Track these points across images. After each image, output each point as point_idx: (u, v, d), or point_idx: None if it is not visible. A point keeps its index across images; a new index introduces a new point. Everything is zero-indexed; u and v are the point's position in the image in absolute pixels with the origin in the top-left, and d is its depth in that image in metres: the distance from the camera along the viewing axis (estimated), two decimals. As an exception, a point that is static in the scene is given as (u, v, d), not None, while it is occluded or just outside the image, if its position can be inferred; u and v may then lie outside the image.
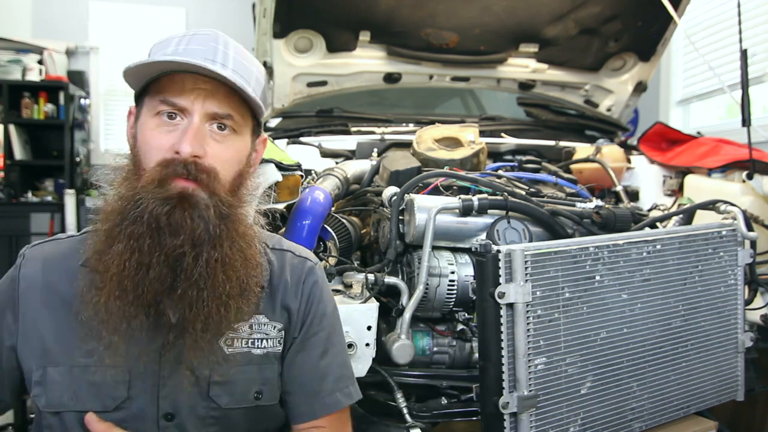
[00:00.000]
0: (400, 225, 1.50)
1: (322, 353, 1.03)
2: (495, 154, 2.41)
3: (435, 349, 1.46)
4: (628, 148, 2.46)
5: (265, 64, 2.47)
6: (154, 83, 0.91)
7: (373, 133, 2.43)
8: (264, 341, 0.98)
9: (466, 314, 1.48)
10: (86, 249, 0.91)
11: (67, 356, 0.89)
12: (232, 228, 0.89)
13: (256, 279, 0.94)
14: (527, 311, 1.12)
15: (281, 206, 1.54)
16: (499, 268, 1.12)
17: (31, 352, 0.91)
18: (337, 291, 1.43)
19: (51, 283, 0.93)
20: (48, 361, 0.89)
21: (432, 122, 2.33)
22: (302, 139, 2.38)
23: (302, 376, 1.02)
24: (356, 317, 1.32)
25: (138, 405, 0.90)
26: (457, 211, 1.47)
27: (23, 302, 0.92)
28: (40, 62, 4.66)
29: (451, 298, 1.44)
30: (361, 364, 1.32)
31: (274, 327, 0.99)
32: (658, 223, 1.62)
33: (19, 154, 4.57)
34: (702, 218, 1.69)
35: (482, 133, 2.29)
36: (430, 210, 1.42)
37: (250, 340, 0.96)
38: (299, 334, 1.02)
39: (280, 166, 1.44)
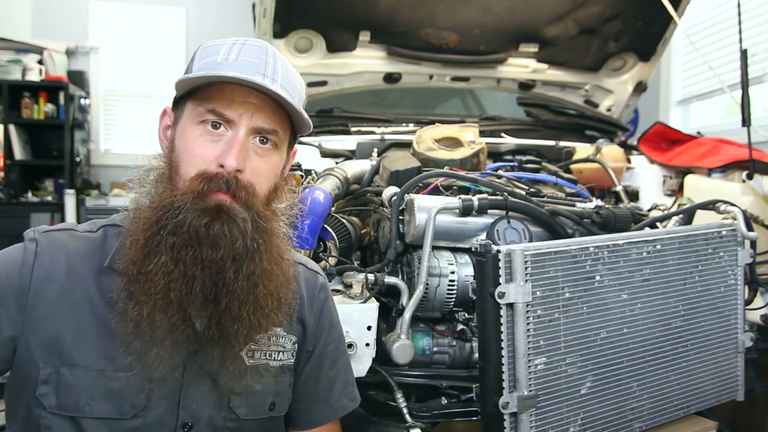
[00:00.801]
0: (400, 225, 1.50)
1: (332, 363, 1.07)
2: (495, 154, 2.41)
3: (435, 349, 1.46)
4: (628, 148, 2.46)
5: (265, 64, 2.46)
6: (201, 90, 0.90)
7: (373, 133, 2.43)
8: (281, 353, 0.99)
9: (466, 314, 1.48)
10: (117, 252, 0.89)
11: (86, 359, 0.86)
12: (269, 241, 0.89)
13: (292, 291, 0.95)
14: (527, 311, 1.12)
15: (281, 206, 1.54)
16: (499, 268, 1.12)
17: (39, 348, 0.86)
18: (337, 291, 1.43)
19: (74, 279, 0.88)
20: (62, 361, 0.86)
21: (432, 122, 2.33)
22: (302, 139, 2.38)
23: (316, 387, 1.05)
24: (356, 317, 1.32)
25: (155, 414, 0.88)
26: (457, 211, 1.47)
27: (35, 293, 0.86)
28: (40, 62, 4.66)
29: (451, 298, 1.44)
30: (361, 364, 1.32)
31: (290, 340, 1.01)
32: (658, 223, 1.62)
33: (19, 154, 4.57)
34: (702, 218, 1.69)
35: (482, 133, 2.29)
36: (430, 210, 1.42)
37: (268, 352, 0.97)
38: (314, 349, 1.05)
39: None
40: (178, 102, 0.94)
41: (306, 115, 0.92)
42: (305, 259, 1.12)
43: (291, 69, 0.94)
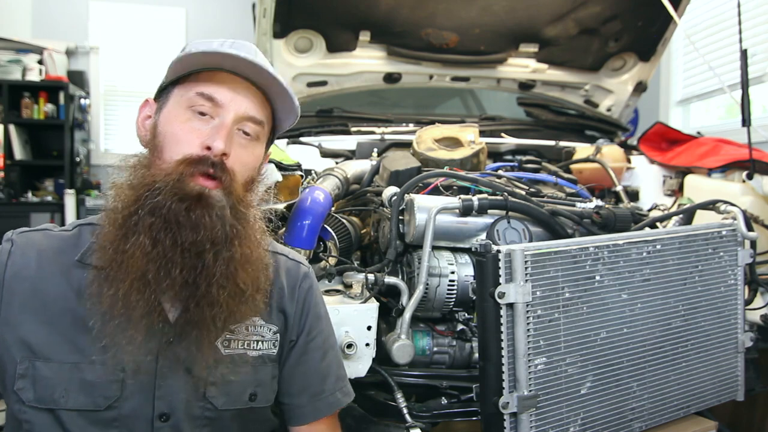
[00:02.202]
0: (400, 225, 1.50)
1: (322, 356, 1.06)
2: (495, 154, 2.41)
3: (435, 349, 1.46)
4: (628, 148, 2.46)
5: (265, 64, 2.46)
6: (190, 76, 0.91)
7: (373, 133, 2.43)
8: (260, 343, 0.98)
9: (466, 314, 1.48)
10: (90, 247, 0.90)
11: (60, 352, 0.87)
12: (247, 227, 0.90)
13: (267, 277, 0.96)
14: (527, 311, 1.12)
15: (281, 206, 1.54)
16: (499, 268, 1.12)
17: (15, 344, 0.87)
18: (337, 291, 1.43)
19: (45, 276, 0.90)
20: (36, 355, 0.86)
21: (432, 122, 2.33)
22: (302, 139, 2.38)
23: (305, 379, 1.04)
24: (356, 317, 1.32)
25: (131, 405, 0.88)
26: (457, 211, 1.47)
27: (9, 291, 0.88)
28: (40, 62, 4.66)
29: (451, 298, 1.44)
30: (361, 364, 1.32)
31: (270, 329, 1.00)
32: (658, 223, 1.62)
33: (19, 154, 4.57)
34: (702, 218, 1.69)
35: (482, 133, 2.29)
36: (430, 210, 1.42)
37: (246, 342, 0.96)
38: (298, 338, 1.04)
39: (280, 166, 1.44)
40: (162, 91, 0.95)
41: (296, 101, 0.95)
42: (287, 249, 1.12)
43: (273, 68, 0.96)
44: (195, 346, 0.88)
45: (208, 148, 0.86)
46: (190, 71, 0.92)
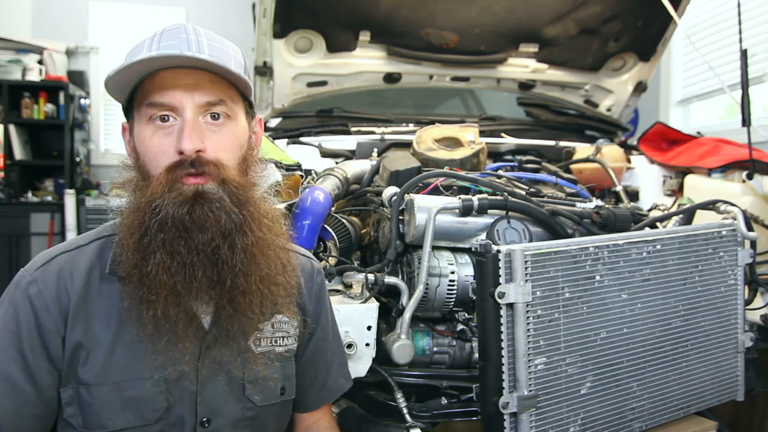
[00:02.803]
0: (400, 225, 1.50)
1: (329, 346, 1.11)
2: (495, 154, 2.41)
3: (435, 349, 1.46)
4: (628, 148, 2.46)
5: (265, 64, 2.47)
6: (138, 91, 0.89)
7: (373, 133, 2.43)
8: (285, 339, 1.01)
9: (466, 314, 1.48)
10: (114, 259, 0.90)
11: (99, 375, 0.87)
12: (254, 210, 0.90)
13: (288, 255, 0.97)
14: (527, 311, 1.12)
15: (281, 206, 1.54)
16: (499, 268, 1.12)
17: (63, 372, 0.88)
18: (337, 291, 1.43)
19: (84, 298, 0.89)
20: (78, 381, 0.87)
21: (432, 122, 2.33)
22: (302, 139, 2.38)
23: (316, 370, 1.08)
24: (356, 317, 1.32)
25: (176, 414, 0.89)
26: (457, 211, 1.47)
27: (56, 331, 0.87)
28: (40, 62, 4.66)
29: (451, 298, 1.44)
30: (361, 364, 1.32)
31: (292, 325, 1.02)
32: (658, 223, 1.62)
33: (19, 154, 4.57)
34: (702, 218, 1.69)
35: (482, 133, 2.29)
36: (430, 210, 1.42)
37: (273, 339, 0.99)
38: (313, 332, 1.07)
39: (280, 166, 1.44)
40: (128, 112, 0.94)
41: (242, 74, 0.90)
42: (295, 246, 1.13)
43: (219, 39, 0.93)
44: (236, 342, 0.90)
45: (181, 152, 0.86)
46: (133, 86, 0.89)
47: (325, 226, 1.55)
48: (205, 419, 0.91)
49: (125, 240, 0.87)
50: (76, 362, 0.87)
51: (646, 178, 2.28)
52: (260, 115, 1.05)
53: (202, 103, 0.88)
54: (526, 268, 1.12)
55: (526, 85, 2.88)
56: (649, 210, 1.93)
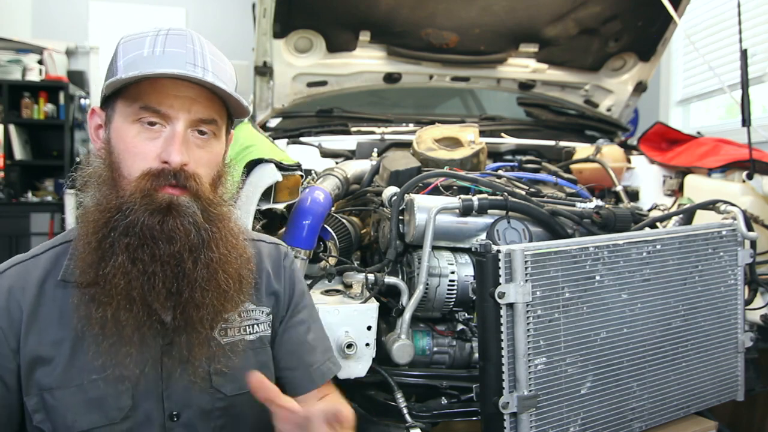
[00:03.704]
0: (400, 225, 1.50)
1: (308, 328, 1.10)
2: (495, 154, 2.41)
3: (435, 349, 1.46)
4: (628, 148, 2.46)
5: (265, 64, 2.47)
6: (131, 87, 0.87)
7: (373, 133, 2.43)
8: (255, 326, 1.01)
9: (466, 314, 1.48)
10: (68, 266, 0.90)
11: (60, 378, 0.87)
12: (222, 227, 0.91)
13: (249, 270, 0.97)
14: (527, 311, 1.12)
15: (281, 206, 1.54)
16: (499, 268, 1.12)
17: (25, 381, 0.88)
18: (337, 291, 1.43)
19: (38, 307, 0.88)
20: (40, 387, 0.87)
21: (432, 122, 2.33)
22: (302, 139, 2.38)
23: (298, 350, 1.07)
24: (356, 317, 1.32)
25: (143, 411, 0.90)
26: (457, 211, 1.47)
27: (13, 337, 0.87)
28: (40, 62, 4.66)
29: (451, 298, 1.44)
30: (361, 364, 1.32)
31: (262, 312, 1.03)
32: (658, 223, 1.62)
33: (19, 154, 4.57)
34: (702, 218, 1.69)
35: (482, 133, 2.29)
36: (430, 210, 1.42)
37: (241, 328, 0.99)
38: (287, 312, 1.07)
39: (280, 166, 1.44)
40: (107, 100, 0.91)
41: (244, 101, 0.91)
42: (263, 234, 1.15)
43: (218, 53, 0.93)
44: (187, 344, 0.90)
45: (165, 162, 0.85)
46: (127, 83, 0.87)
47: (325, 226, 1.55)
48: (174, 413, 0.91)
49: (85, 238, 0.85)
50: (35, 371, 0.87)
51: (646, 178, 2.28)
52: (232, 131, 1.03)
53: (196, 119, 0.88)
54: (526, 268, 1.12)
55: (526, 85, 2.88)
56: (649, 210, 1.93)
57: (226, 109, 0.95)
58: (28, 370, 0.87)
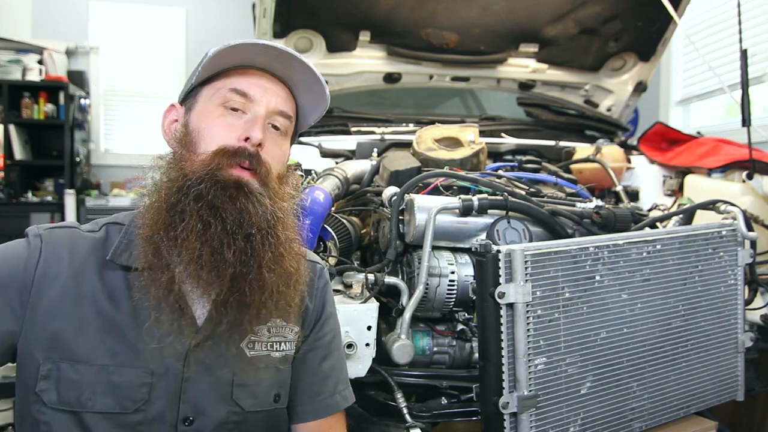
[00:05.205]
0: (400, 225, 1.50)
1: (326, 355, 1.05)
2: (495, 154, 2.41)
3: (435, 349, 1.46)
4: (628, 148, 2.46)
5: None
6: (219, 75, 0.94)
7: (373, 133, 2.43)
8: (282, 344, 0.98)
9: (466, 314, 1.48)
10: (119, 247, 0.91)
11: (88, 354, 0.86)
12: (284, 218, 0.92)
13: (305, 267, 0.98)
14: (527, 311, 1.12)
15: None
16: (499, 268, 1.12)
17: (39, 344, 0.85)
18: (337, 291, 1.43)
19: (79, 277, 0.88)
20: (63, 356, 0.85)
21: (432, 122, 2.33)
22: (302, 139, 2.38)
23: (309, 376, 1.03)
24: (356, 317, 1.32)
25: (157, 408, 0.88)
26: (457, 211, 1.47)
27: (38, 289, 0.86)
28: (40, 62, 4.66)
29: (451, 298, 1.44)
30: (361, 364, 1.32)
31: (291, 330, 1.00)
32: (658, 223, 1.62)
33: (19, 154, 4.57)
34: (702, 218, 1.69)
35: (482, 133, 2.29)
36: (430, 210, 1.42)
37: (269, 343, 0.96)
38: (310, 334, 1.04)
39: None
40: (189, 94, 0.97)
41: (327, 90, 0.99)
42: (303, 249, 1.12)
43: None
44: (225, 344, 0.89)
45: (246, 140, 0.88)
46: (220, 70, 0.94)
47: (325, 226, 1.55)
48: (189, 417, 0.89)
49: (156, 204, 0.86)
50: (60, 338, 0.85)
51: (646, 178, 2.28)
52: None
53: (276, 109, 0.95)
54: (526, 268, 1.12)
55: (526, 85, 2.89)
56: (649, 210, 1.93)
57: (297, 117, 1.02)
58: (52, 335, 0.85)
